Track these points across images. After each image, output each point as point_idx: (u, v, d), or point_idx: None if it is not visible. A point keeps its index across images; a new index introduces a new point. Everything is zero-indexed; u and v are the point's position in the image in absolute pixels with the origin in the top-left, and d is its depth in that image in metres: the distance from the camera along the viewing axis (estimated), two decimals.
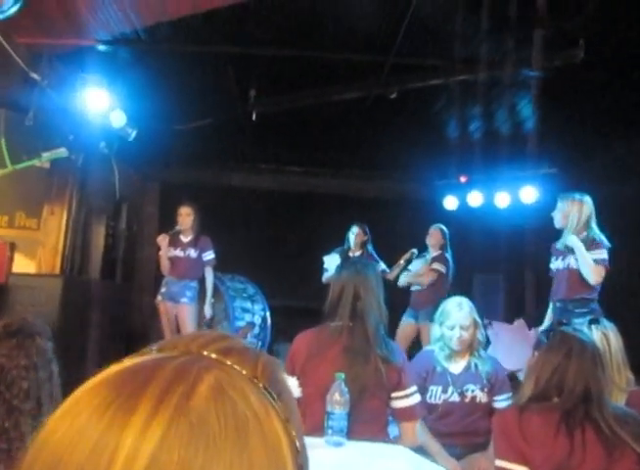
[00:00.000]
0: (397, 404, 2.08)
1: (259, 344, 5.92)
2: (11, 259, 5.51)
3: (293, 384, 2.01)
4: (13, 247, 5.57)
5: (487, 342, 3.59)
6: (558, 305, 3.79)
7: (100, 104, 4.68)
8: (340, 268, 2.32)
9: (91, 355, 4.65)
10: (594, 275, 3.57)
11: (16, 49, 3.97)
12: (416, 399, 2.13)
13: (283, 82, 5.01)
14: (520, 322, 3.76)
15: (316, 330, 2.17)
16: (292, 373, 2.11)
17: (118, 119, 4.95)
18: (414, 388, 2.15)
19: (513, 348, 3.43)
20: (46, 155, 4.71)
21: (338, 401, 1.87)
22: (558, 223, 3.85)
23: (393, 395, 2.07)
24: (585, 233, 3.69)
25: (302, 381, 2.07)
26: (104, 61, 4.52)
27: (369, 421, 2.00)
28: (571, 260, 3.72)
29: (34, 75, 4.27)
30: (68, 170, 5.38)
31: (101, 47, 4.39)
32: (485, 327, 3.15)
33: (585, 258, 3.58)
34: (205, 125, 5.66)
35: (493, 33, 4.22)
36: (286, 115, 5.43)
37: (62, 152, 4.80)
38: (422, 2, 3.86)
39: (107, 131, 5.16)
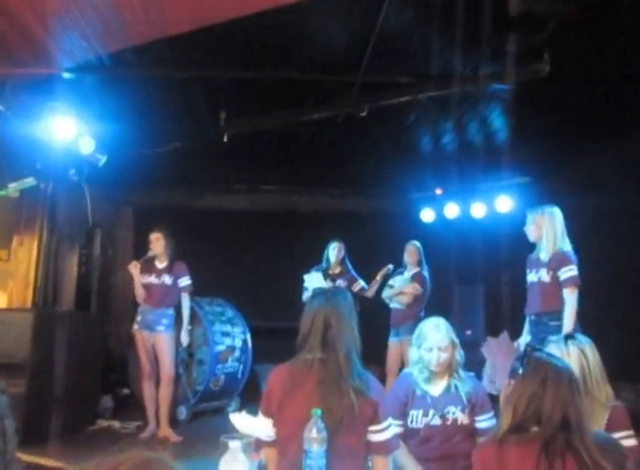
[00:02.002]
0: (372, 438, 2.03)
1: (241, 367, 5.83)
2: None
3: (264, 425, 1.96)
4: None
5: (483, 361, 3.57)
6: (532, 318, 3.80)
7: (67, 131, 4.61)
8: (310, 299, 2.27)
9: (66, 392, 4.51)
10: (572, 304, 3.58)
11: None
12: (391, 432, 2.08)
13: (253, 104, 4.98)
14: (504, 335, 3.74)
15: (289, 364, 2.11)
16: (267, 412, 2.04)
17: (87, 146, 4.89)
18: (389, 421, 2.10)
19: (506, 367, 3.42)
20: (13, 185, 4.62)
21: (315, 439, 1.81)
22: (532, 237, 3.87)
23: (369, 429, 2.02)
24: (555, 249, 3.71)
25: (279, 419, 2.01)
26: (70, 88, 4.45)
27: (346, 457, 1.94)
28: (542, 273, 3.73)
29: None
30: (38, 199, 5.28)
31: (66, 75, 4.32)
32: (469, 342, 3.11)
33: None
34: (176, 148, 5.61)
35: (459, 49, 4.25)
36: (258, 135, 5.40)
37: (29, 181, 4.71)
38: (388, 20, 3.88)
39: (76, 158, 5.08)
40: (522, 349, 3.72)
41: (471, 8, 3.63)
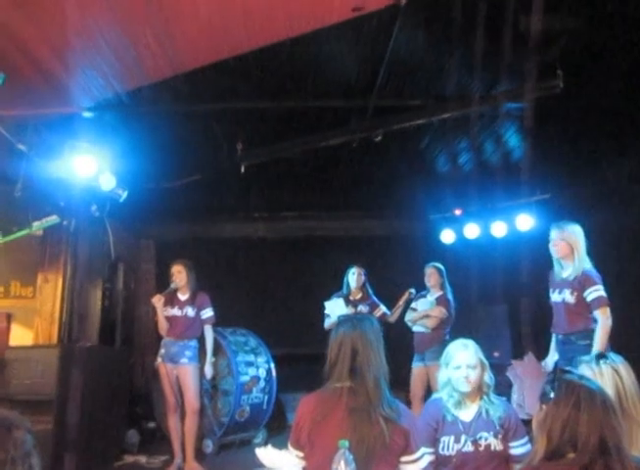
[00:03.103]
0: (406, 469, 1.98)
1: (266, 397, 5.77)
2: (7, 331, 5.45)
3: (290, 459, 1.92)
4: (9, 318, 5.53)
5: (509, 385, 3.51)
6: (560, 337, 3.72)
7: (88, 168, 4.68)
8: (336, 326, 2.24)
9: (93, 427, 4.51)
10: (604, 325, 3.49)
11: (1, 122, 3.99)
12: (425, 461, 2.04)
13: (269, 133, 5.03)
14: (529, 357, 3.66)
15: (318, 394, 2.07)
16: (297, 444, 2.00)
17: (108, 182, 4.95)
18: (422, 450, 2.05)
19: (535, 389, 3.34)
20: (37, 224, 4.71)
21: None
22: (558, 253, 3.80)
23: (402, 459, 1.97)
24: (580, 268, 3.65)
25: (308, 452, 1.97)
26: (90, 126, 4.54)
27: None
28: (566, 294, 3.67)
29: (21, 146, 4.29)
30: (61, 236, 5.36)
31: (86, 113, 4.42)
32: (497, 364, 3.04)
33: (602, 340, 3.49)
34: (195, 180, 5.68)
35: (471, 69, 4.26)
36: (274, 163, 5.45)
37: (53, 219, 4.80)
38: (399, 43, 3.91)
39: (97, 194, 5.16)
40: (549, 368, 3.63)
41: (481, 27, 3.66)
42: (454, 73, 4.36)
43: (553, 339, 3.84)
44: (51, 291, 5.30)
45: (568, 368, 1.71)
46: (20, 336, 5.40)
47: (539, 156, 5.51)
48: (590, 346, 3.43)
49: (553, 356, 3.76)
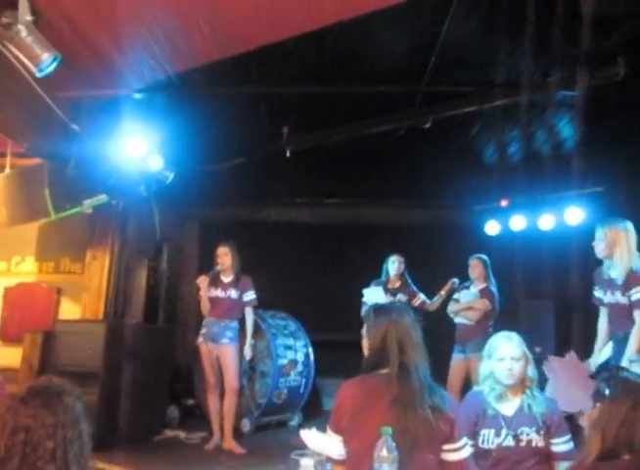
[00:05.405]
0: (447, 457, 1.96)
1: (303, 381, 5.82)
2: (57, 305, 5.67)
3: (335, 443, 1.92)
4: (59, 292, 5.74)
5: (544, 380, 3.41)
6: (621, 335, 3.52)
7: (138, 149, 4.78)
8: (373, 315, 2.20)
9: (135, 401, 4.65)
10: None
11: (56, 102, 4.10)
12: (467, 452, 2.00)
13: (315, 118, 5.02)
14: (572, 355, 3.52)
15: (360, 381, 2.06)
16: (336, 430, 2.00)
17: (156, 163, 5.04)
18: (464, 440, 2.02)
19: (572, 387, 3.22)
20: (87, 202, 4.85)
21: (386, 459, 1.75)
22: (601, 254, 3.56)
23: (445, 447, 1.95)
24: (627, 267, 3.44)
25: (348, 438, 1.96)
26: (140, 108, 4.62)
27: None
28: (618, 297, 3.48)
29: (74, 126, 4.40)
30: (110, 215, 5.50)
31: (137, 95, 4.50)
32: (538, 359, 2.97)
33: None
34: (241, 163, 5.72)
35: (526, 55, 4.13)
36: (320, 149, 5.44)
37: (102, 198, 4.93)
38: (452, 29, 3.82)
39: (145, 175, 5.26)
40: (592, 369, 3.49)
41: (538, 12, 3.53)
42: (507, 60, 4.24)
43: (601, 339, 3.66)
44: (99, 268, 5.46)
45: (623, 366, 1.65)
46: (68, 310, 5.60)
47: (594, 147, 5.32)
48: None
49: (599, 357, 3.60)
